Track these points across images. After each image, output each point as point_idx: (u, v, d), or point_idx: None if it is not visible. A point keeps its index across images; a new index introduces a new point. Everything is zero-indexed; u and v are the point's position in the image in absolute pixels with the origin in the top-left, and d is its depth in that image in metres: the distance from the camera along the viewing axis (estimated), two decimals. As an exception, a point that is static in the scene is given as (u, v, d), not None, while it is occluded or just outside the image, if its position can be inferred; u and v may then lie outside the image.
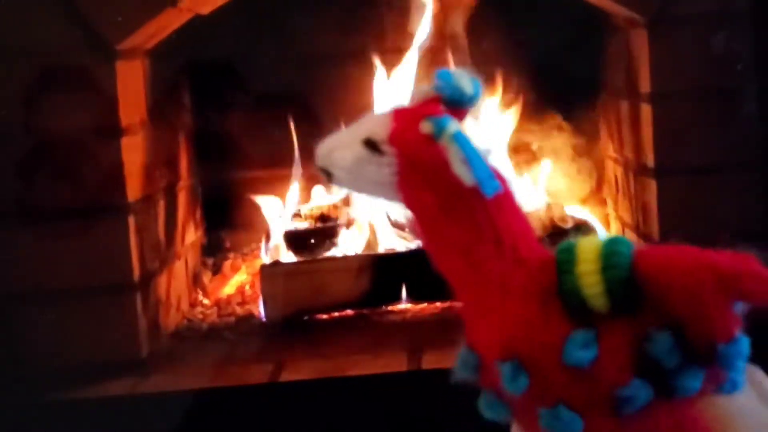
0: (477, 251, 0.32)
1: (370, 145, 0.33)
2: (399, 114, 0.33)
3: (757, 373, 0.34)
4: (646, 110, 1.11)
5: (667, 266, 0.30)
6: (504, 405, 0.32)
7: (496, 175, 0.32)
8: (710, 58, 1.06)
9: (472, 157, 0.31)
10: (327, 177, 0.35)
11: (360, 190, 0.35)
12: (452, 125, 0.32)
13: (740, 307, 0.30)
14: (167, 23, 1.10)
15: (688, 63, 1.07)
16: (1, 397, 0.98)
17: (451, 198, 0.32)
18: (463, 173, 0.31)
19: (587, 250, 0.31)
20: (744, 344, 0.30)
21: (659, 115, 1.08)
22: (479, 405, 0.32)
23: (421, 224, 0.34)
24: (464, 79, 0.33)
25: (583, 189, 1.35)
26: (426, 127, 0.32)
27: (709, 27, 1.06)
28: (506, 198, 0.33)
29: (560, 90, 1.32)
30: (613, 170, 1.32)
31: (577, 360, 0.30)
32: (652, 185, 1.10)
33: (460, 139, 0.32)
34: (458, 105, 0.33)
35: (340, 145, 0.34)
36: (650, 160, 1.10)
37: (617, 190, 1.30)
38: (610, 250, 0.31)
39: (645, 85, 1.10)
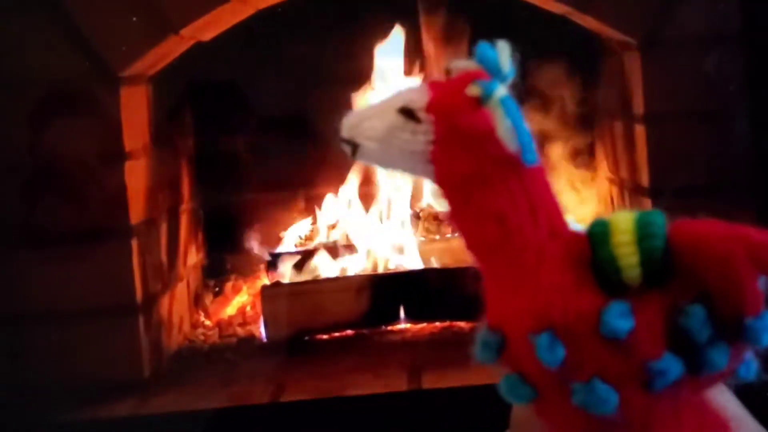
0: (512, 218, 0.32)
1: (406, 113, 0.33)
2: (437, 84, 0.33)
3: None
4: (640, 131, 1.12)
5: (700, 236, 0.30)
6: (528, 386, 0.31)
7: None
8: (702, 80, 1.07)
9: (519, 124, 0.31)
10: (351, 150, 0.33)
11: (387, 161, 0.34)
12: (501, 89, 0.32)
13: (763, 284, 0.30)
14: (170, 50, 1.12)
15: (680, 85, 1.08)
16: (4, 418, 0.99)
17: (488, 166, 0.32)
18: (509, 138, 0.31)
19: (622, 221, 0.31)
20: None
21: (653, 136, 1.09)
22: (500, 389, 0.31)
23: (453, 195, 0.33)
24: (504, 53, 0.33)
25: (582, 207, 1.36)
26: (474, 90, 0.32)
27: (701, 49, 1.08)
28: (541, 173, 0.33)
29: (556, 111, 1.33)
30: (609, 190, 1.34)
31: (616, 330, 0.29)
32: (647, 204, 1.11)
33: (508, 104, 0.31)
34: (496, 78, 0.32)
35: (371, 115, 0.33)
36: (645, 180, 1.11)
37: (613, 209, 1.31)
38: (646, 221, 0.31)
39: (639, 107, 1.11)
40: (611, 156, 1.30)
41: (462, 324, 1.18)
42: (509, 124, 0.31)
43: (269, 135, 1.36)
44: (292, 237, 1.32)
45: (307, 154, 1.33)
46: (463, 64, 0.33)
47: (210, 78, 1.33)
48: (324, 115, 1.32)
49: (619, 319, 0.30)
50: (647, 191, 1.11)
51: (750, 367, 0.31)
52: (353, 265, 1.25)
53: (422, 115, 0.33)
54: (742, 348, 0.31)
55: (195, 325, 1.28)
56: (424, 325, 1.19)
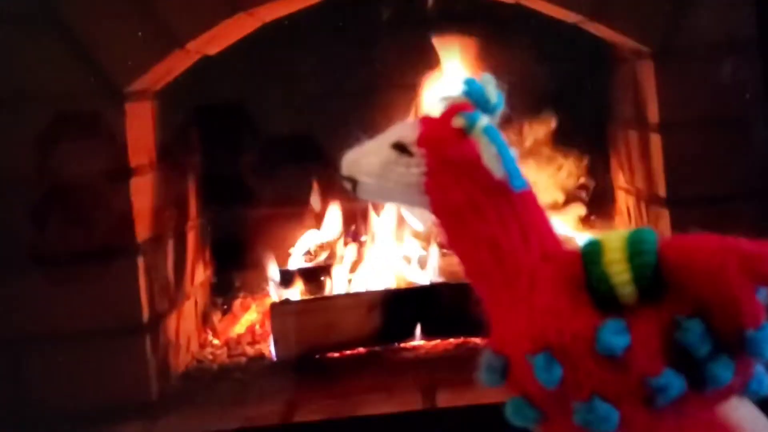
0: (504, 245, 0.33)
1: (399, 148, 0.35)
2: (426, 119, 0.36)
3: None
4: (655, 140, 1.11)
5: (691, 251, 0.31)
6: (533, 408, 0.32)
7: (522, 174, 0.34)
8: (718, 88, 1.07)
9: (503, 151, 0.33)
10: (352, 186, 0.36)
11: (385, 195, 0.36)
12: (483, 119, 0.34)
13: (763, 296, 0.30)
14: (175, 65, 1.12)
15: (695, 93, 1.07)
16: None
17: (478, 193, 0.34)
18: (494, 165, 0.33)
19: (613, 240, 0.32)
20: None
21: (669, 145, 1.09)
22: (506, 412, 0.32)
23: (448, 224, 0.35)
24: (490, 86, 0.35)
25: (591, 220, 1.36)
26: (458, 121, 0.34)
27: (716, 57, 1.07)
28: (530, 197, 0.34)
29: (570, 122, 1.33)
30: (625, 200, 1.32)
31: (611, 347, 0.30)
32: (665, 215, 1.10)
33: (492, 133, 0.33)
34: (483, 110, 0.35)
35: (368, 152, 0.36)
36: (662, 190, 1.10)
37: (630, 221, 1.30)
38: (636, 239, 0.32)
39: (653, 116, 1.11)
40: (626, 166, 1.29)
41: (477, 340, 1.16)
42: (494, 151, 0.33)
43: (276, 151, 1.36)
44: (301, 252, 1.31)
45: (314, 169, 1.32)
46: (451, 99, 0.34)
47: (216, 94, 1.33)
48: (330, 130, 1.32)
49: (615, 336, 0.30)
50: (664, 201, 1.10)
51: (762, 381, 0.31)
52: (365, 281, 1.23)
53: (414, 149, 0.35)
54: (748, 362, 0.31)
55: (203, 345, 1.27)
56: (438, 341, 1.18)
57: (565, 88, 1.31)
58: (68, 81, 1.03)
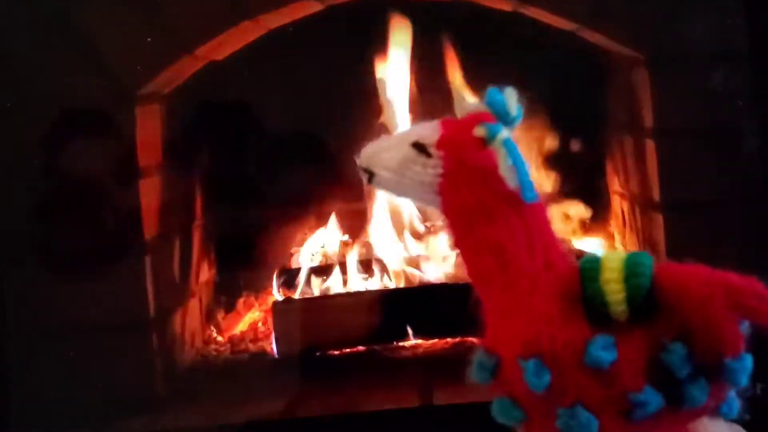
0: (510, 250, 0.34)
1: (419, 147, 0.36)
2: (448, 123, 0.36)
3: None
4: (650, 146, 1.13)
5: (684, 279, 0.32)
6: (518, 408, 0.33)
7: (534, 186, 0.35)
8: (711, 95, 1.07)
9: (519, 163, 0.34)
10: (368, 178, 0.37)
11: (399, 190, 0.37)
12: (504, 132, 0.35)
13: (745, 328, 0.32)
14: (183, 70, 1.14)
15: (689, 99, 1.08)
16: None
17: (491, 200, 0.35)
18: (510, 176, 0.34)
19: (612, 260, 0.33)
20: (748, 361, 0.32)
21: (663, 151, 1.10)
22: (492, 409, 0.33)
23: (457, 225, 0.36)
24: (512, 99, 0.36)
25: (587, 224, 1.37)
26: (480, 131, 0.35)
27: (709, 64, 1.08)
28: (540, 209, 0.35)
29: (565, 126, 1.34)
30: (620, 204, 1.34)
31: (599, 361, 0.31)
32: (659, 219, 1.11)
33: (510, 145, 0.34)
34: (503, 122, 0.35)
35: (388, 147, 0.37)
36: (656, 195, 1.11)
37: (624, 224, 1.31)
38: (634, 262, 0.33)
39: (648, 121, 1.12)
40: (621, 171, 1.30)
41: (474, 340, 1.18)
42: (510, 163, 0.34)
43: (281, 152, 1.37)
44: (304, 253, 1.33)
45: (318, 171, 1.34)
46: (473, 106, 0.36)
47: (222, 97, 1.35)
48: (336, 132, 1.33)
49: (603, 350, 0.32)
50: (658, 206, 1.11)
51: (732, 405, 0.33)
52: (365, 281, 1.25)
53: (433, 150, 0.36)
54: (723, 386, 0.32)
55: (207, 341, 1.28)
56: (436, 341, 1.19)
57: (561, 95, 1.32)
58: (80, 84, 1.05)
